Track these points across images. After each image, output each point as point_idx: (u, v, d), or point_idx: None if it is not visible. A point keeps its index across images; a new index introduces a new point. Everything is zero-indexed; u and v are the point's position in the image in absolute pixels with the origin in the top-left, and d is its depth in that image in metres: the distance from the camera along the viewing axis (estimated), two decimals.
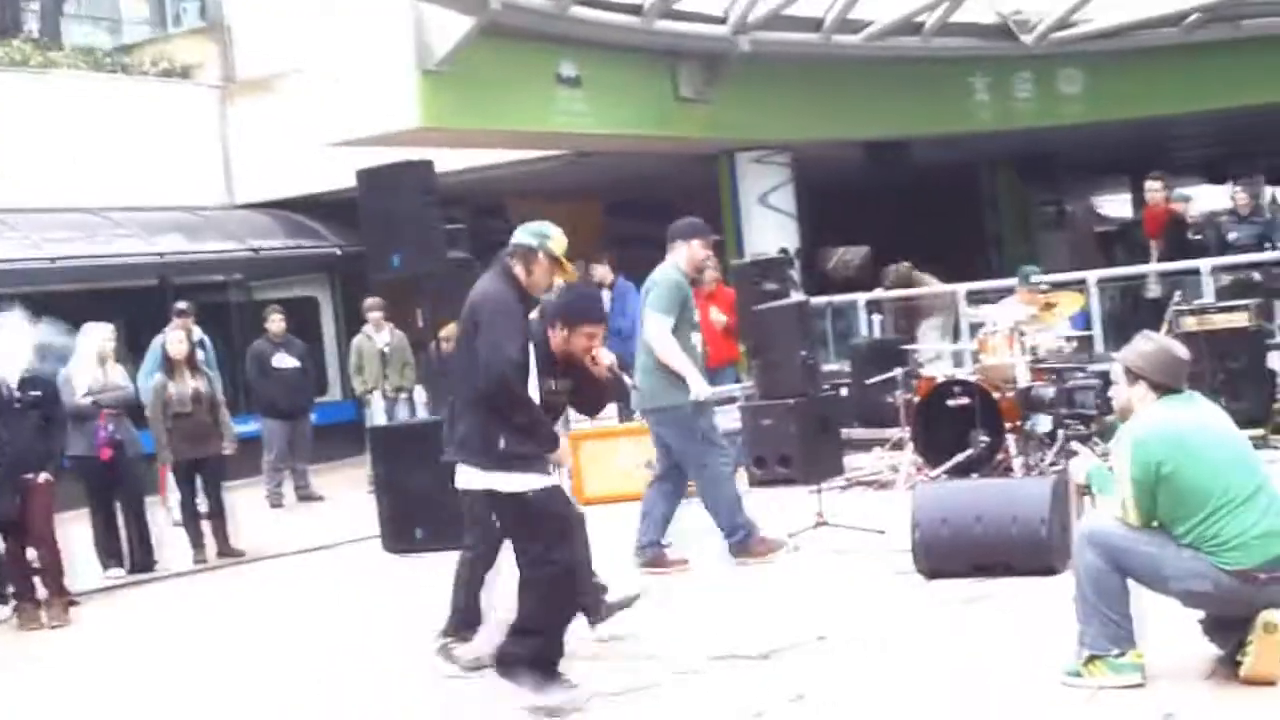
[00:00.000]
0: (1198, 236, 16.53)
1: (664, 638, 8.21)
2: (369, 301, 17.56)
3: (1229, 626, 6.36)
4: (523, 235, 7.30)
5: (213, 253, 21.44)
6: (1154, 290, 16.05)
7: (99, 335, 12.65)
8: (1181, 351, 6.60)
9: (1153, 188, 17.12)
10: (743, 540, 10.17)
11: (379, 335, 17.59)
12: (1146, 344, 6.64)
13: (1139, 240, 17.11)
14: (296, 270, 22.59)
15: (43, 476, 10.86)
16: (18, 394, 10.90)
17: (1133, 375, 6.54)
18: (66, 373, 12.27)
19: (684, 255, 10.37)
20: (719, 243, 12.52)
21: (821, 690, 6.85)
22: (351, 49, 16.20)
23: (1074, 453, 7.09)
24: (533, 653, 6.89)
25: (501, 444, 6.89)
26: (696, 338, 10.46)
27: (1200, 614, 6.50)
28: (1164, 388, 6.44)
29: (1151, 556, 6.27)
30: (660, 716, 6.86)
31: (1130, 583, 6.36)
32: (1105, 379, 6.90)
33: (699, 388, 10.04)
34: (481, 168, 20.00)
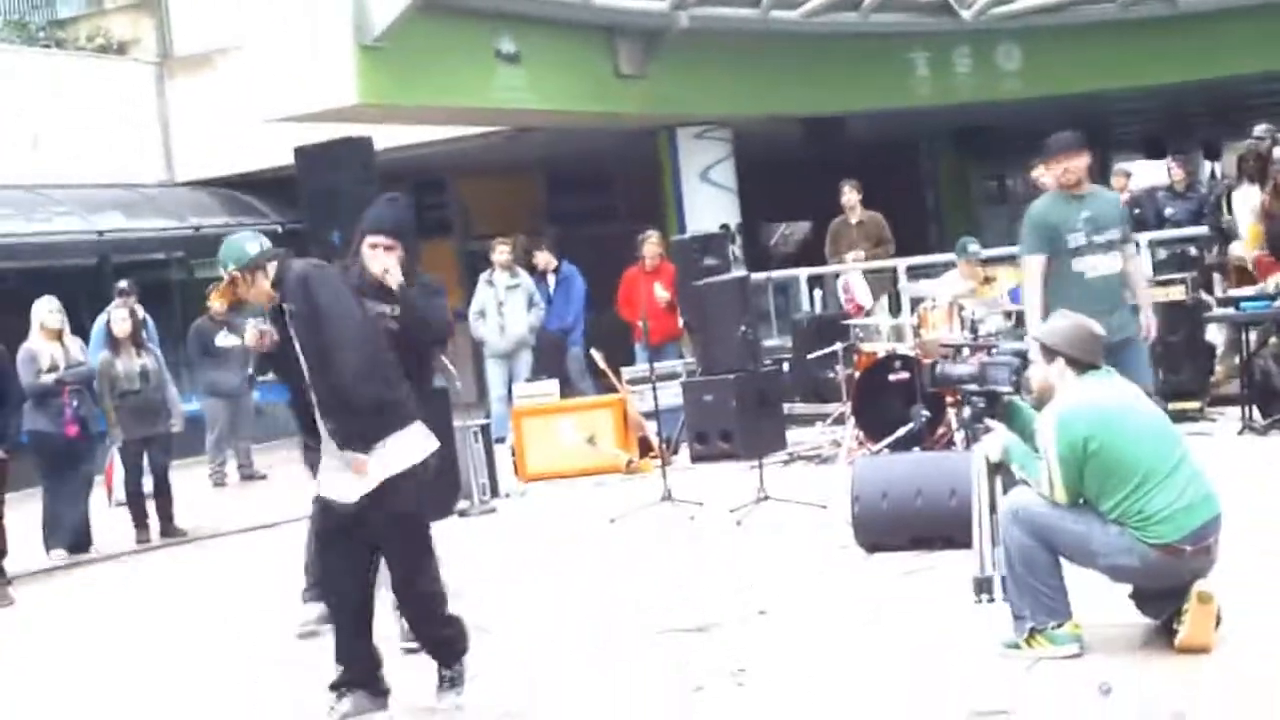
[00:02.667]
0: (1136, 210, 16.66)
1: (603, 611, 8.26)
2: None
3: (1158, 597, 6.45)
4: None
5: (153, 230, 21.27)
6: None
7: (45, 308, 12.54)
8: (1096, 328, 6.68)
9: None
10: None
11: None
12: (1062, 321, 6.73)
13: None
14: None
15: None
16: None
17: (1050, 353, 6.61)
18: (29, 349, 12.20)
19: (1048, 177, 9.94)
20: (660, 220, 12.35)
21: (762, 663, 6.90)
22: (289, 24, 16.09)
23: (988, 429, 7.14)
24: None
25: None
26: (1086, 262, 9.29)
27: (1128, 588, 6.59)
28: (1081, 364, 6.52)
29: (1078, 534, 6.34)
30: (599, 690, 6.88)
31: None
32: (1023, 357, 6.87)
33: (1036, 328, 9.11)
34: (422, 144, 19.92)
